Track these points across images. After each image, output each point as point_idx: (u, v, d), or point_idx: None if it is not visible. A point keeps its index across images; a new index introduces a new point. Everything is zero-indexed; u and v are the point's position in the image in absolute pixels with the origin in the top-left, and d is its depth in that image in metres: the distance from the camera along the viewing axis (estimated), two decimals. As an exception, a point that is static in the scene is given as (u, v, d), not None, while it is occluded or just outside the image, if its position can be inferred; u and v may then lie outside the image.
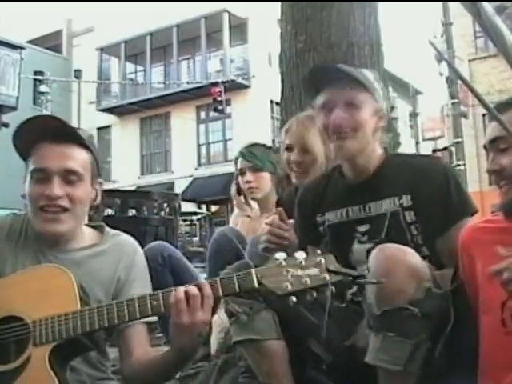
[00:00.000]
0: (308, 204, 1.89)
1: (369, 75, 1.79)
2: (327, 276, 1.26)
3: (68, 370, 1.41)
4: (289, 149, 2.33)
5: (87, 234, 1.63)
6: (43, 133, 1.51)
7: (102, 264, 1.58)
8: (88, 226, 1.66)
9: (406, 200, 1.69)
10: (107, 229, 1.66)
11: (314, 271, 1.27)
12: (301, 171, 2.30)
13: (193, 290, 1.33)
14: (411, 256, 1.44)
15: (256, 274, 1.31)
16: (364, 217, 1.74)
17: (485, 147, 1.46)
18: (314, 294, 1.26)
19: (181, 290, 1.33)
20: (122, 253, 1.61)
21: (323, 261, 1.27)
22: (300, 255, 1.29)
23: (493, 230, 1.42)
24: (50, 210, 1.50)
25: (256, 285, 1.31)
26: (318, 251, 1.30)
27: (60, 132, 1.52)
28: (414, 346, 1.39)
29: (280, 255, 1.31)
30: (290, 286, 1.26)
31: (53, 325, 1.34)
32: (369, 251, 1.62)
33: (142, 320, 1.47)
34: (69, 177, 1.51)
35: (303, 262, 1.28)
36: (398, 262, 1.41)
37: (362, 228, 1.75)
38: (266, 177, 2.70)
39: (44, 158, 1.51)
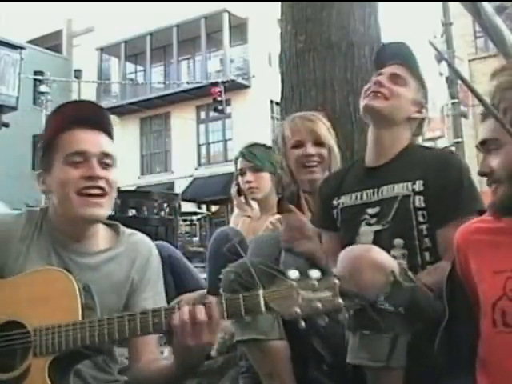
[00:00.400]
0: (328, 188, 1.96)
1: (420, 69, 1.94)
2: (340, 301, 1.19)
3: (72, 375, 1.40)
4: (298, 146, 2.30)
5: (103, 235, 1.60)
6: (77, 118, 1.50)
7: (117, 267, 1.56)
8: (103, 224, 1.62)
9: (418, 185, 1.73)
10: (122, 228, 1.63)
11: (326, 294, 1.20)
12: (317, 164, 2.28)
13: (199, 312, 1.27)
14: (376, 253, 1.46)
15: (264, 297, 1.25)
16: (376, 200, 1.79)
17: (477, 148, 1.46)
18: (326, 319, 1.21)
19: (185, 311, 1.27)
20: (136, 254, 1.59)
21: (337, 283, 1.21)
22: (314, 274, 1.23)
23: (485, 230, 1.43)
24: (92, 193, 1.47)
25: (263, 309, 1.24)
26: (334, 270, 1.26)
27: (95, 117, 1.52)
28: (392, 341, 1.39)
29: (293, 273, 1.24)
30: (299, 311, 1.20)
31: (53, 336, 1.32)
32: (376, 233, 1.72)
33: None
34: (105, 160, 1.51)
35: (316, 284, 1.21)
36: (363, 260, 1.42)
37: (372, 210, 1.79)
38: (266, 177, 2.70)
39: (81, 142, 1.49)
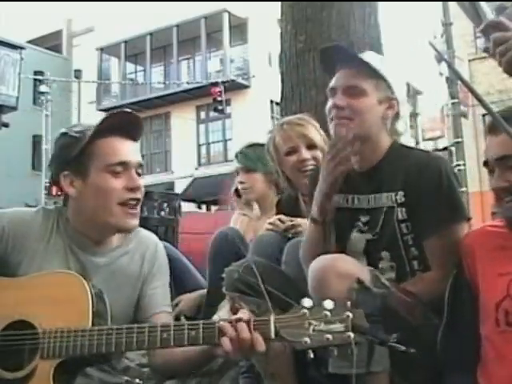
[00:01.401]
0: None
1: (377, 60, 1.78)
2: (351, 335, 1.17)
3: (76, 381, 1.41)
4: (292, 152, 2.32)
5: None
6: (114, 126, 1.53)
7: (129, 261, 1.62)
8: None
9: (400, 196, 1.69)
10: None
11: (338, 327, 1.18)
12: (313, 166, 2.26)
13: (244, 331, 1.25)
14: (341, 261, 1.47)
15: (275, 323, 1.23)
16: (366, 207, 1.76)
17: (485, 163, 1.46)
18: (335, 352, 1.20)
19: (233, 333, 1.26)
20: (145, 248, 1.66)
21: (350, 316, 1.18)
22: (328, 305, 1.20)
23: (492, 234, 1.45)
24: (132, 204, 1.53)
25: (272, 335, 1.23)
26: (348, 303, 1.22)
27: (131, 126, 1.56)
28: (369, 347, 1.36)
29: (307, 302, 1.22)
30: (309, 342, 1.18)
31: (61, 340, 1.33)
32: (368, 242, 1.70)
33: (166, 310, 1.56)
34: (139, 169, 1.57)
35: (328, 315, 1.19)
36: (329, 270, 1.43)
37: (364, 218, 1.76)
38: (258, 177, 2.70)
39: (122, 152, 1.53)
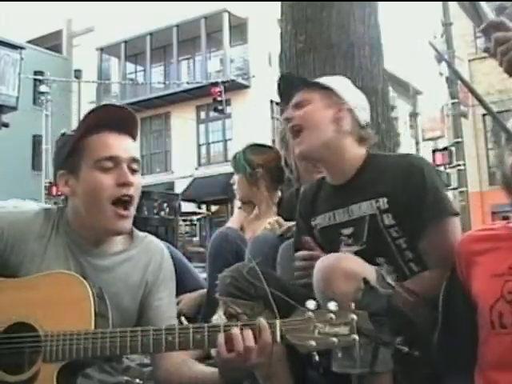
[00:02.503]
0: (304, 209, 1.92)
1: (331, 79, 1.85)
2: (356, 338, 1.17)
3: (80, 376, 1.40)
4: None
5: (118, 237, 1.58)
6: (105, 120, 1.47)
7: (132, 269, 1.55)
8: None
9: (382, 203, 1.67)
10: (135, 230, 1.62)
11: (343, 330, 1.18)
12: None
13: (248, 338, 1.22)
14: (347, 261, 1.46)
15: (280, 326, 1.22)
16: (347, 219, 1.74)
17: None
18: (339, 355, 1.20)
19: (239, 339, 1.23)
20: (150, 257, 1.59)
21: (355, 319, 1.18)
22: (332, 306, 1.21)
23: (484, 238, 1.45)
24: (125, 202, 1.46)
25: (278, 339, 1.22)
26: (353, 305, 1.22)
27: (124, 120, 1.50)
28: (373, 347, 1.36)
29: (310, 304, 1.22)
30: (315, 345, 1.18)
31: (64, 343, 1.31)
32: (356, 254, 1.64)
33: (172, 322, 1.48)
34: (133, 165, 1.49)
35: (333, 318, 1.19)
36: (335, 270, 1.42)
37: (347, 231, 1.74)
38: (240, 179, 2.73)
39: (112, 147, 1.46)
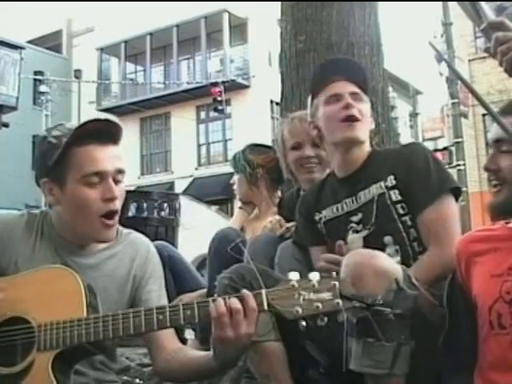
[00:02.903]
0: (306, 206, 1.98)
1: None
2: (340, 302, 1.21)
3: (72, 374, 1.41)
4: (297, 147, 2.35)
5: None
6: (90, 132, 1.48)
7: (118, 264, 1.58)
8: None
9: (390, 180, 1.76)
10: (120, 227, 1.64)
11: (326, 295, 1.22)
12: (316, 165, 2.32)
13: (234, 302, 1.28)
14: (378, 258, 1.45)
15: (266, 295, 1.27)
16: (356, 207, 1.81)
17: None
18: (325, 319, 1.22)
19: (221, 303, 1.29)
20: (136, 251, 1.62)
21: (337, 285, 1.23)
22: (314, 276, 1.25)
23: (484, 238, 1.45)
24: (111, 216, 1.50)
25: (265, 307, 1.27)
26: (334, 274, 1.26)
27: (107, 129, 1.51)
28: (395, 349, 1.38)
29: (293, 275, 1.26)
30: (300, 311, 1.22)
31: (57, 331, 1.33)
32: (365, 238, 1.74)
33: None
34: (117, 176, 1.51)
35: (316, 285, 1.23)
36: (366, 267, 1.41)
37: (356, 218, 1.81)
38: (240, 179, 2.73)
39: (98, 161, 1.48)
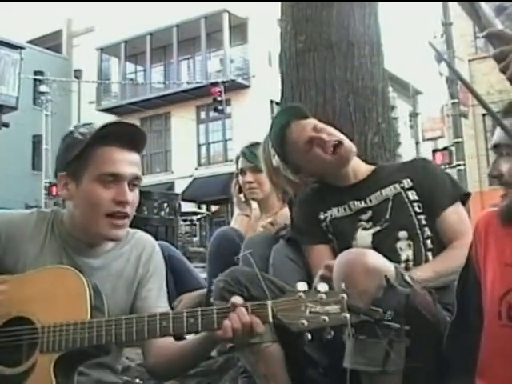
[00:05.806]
0: (310, 205, 1.98)
1: None
2: (347, 316, 1.19)
3: (76, 375, 1.41)
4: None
5: None
6: (114, 134, 1.49)
7: (125, 263, 1.60)
8: None
9: (406, 183, 1.87)
10: (127, 228, 1.64)
11: (334, 308, 1.20)
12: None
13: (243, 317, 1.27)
14: (369, 257, 1.44)
15: (272, 307, 1.25)
16: (366, 206, 1.88)
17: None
18: (332, 333, 1.21)
19: (236, 319, 1.27)
20: (141, 250, 1.64)
21: (345, 298, 1.21)
22: (322, 287, 1.23)
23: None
24: (119, 216, 1.50)
25: (270, 319, 1.25)
26: (343, 285, 1.25)
27: (132, 136, 1.52)
28: (388, 345, 1.38)
29: (301, 286, 1.24)
30: (306, 324, 1.20)
31: (60, 333, 1.33)
32: (375, 235, 1.81)
33: (159, 310, 1.50)
34: (133, 182, 1.53)
35: (324, 297, 1.21)
36: (357, 265, 1.41)
37: (365, 216, 1.87)
38: (265, 178, 2.67)
39: (116, 163, 1.49)
